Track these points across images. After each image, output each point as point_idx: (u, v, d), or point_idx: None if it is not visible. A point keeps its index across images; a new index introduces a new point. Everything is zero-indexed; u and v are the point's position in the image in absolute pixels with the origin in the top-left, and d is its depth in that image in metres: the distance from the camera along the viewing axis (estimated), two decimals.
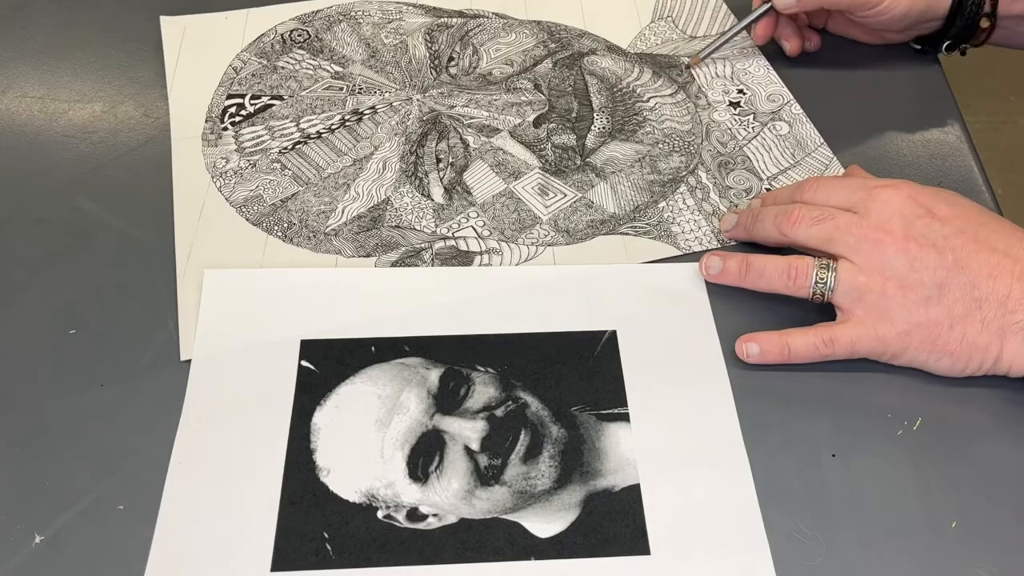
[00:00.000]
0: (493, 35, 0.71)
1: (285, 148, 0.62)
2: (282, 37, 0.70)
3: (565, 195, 0.59)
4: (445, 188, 0.60)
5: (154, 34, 0.71)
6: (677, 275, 0.55)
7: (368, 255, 0.56)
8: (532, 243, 0.57)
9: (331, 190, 0.60)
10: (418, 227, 0.57)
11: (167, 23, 0.70)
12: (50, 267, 0.55)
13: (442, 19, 0.72)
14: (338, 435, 0.48)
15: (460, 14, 0.73)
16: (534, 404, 0.49)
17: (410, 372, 0.50)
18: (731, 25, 0.69)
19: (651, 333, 0.52)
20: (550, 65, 0.68)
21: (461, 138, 0.63)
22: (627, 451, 0.47)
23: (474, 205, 0.59)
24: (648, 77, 0.68)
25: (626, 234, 0.57)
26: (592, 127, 0.64)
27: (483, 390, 0.49)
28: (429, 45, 0.70)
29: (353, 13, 0.72)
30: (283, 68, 0.68)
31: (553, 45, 0.70)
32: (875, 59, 0.69)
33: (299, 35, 0.70)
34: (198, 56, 0.68)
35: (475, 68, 0.68)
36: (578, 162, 0.61)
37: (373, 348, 0.51)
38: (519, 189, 0.60)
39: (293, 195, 0.59)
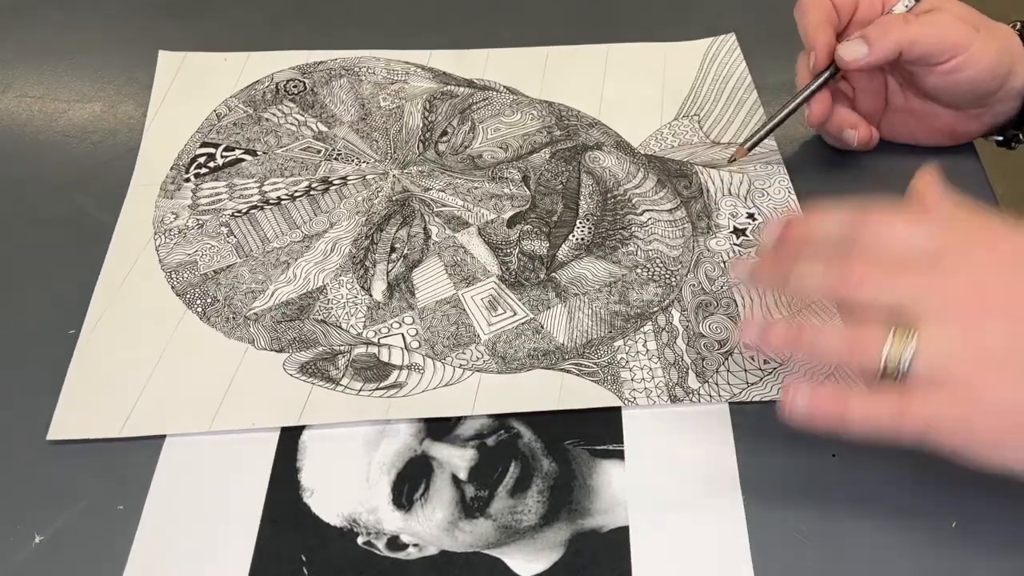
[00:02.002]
0: (497, 112, 0.65)
1: (239, 211, 0.58)
2: (276, 86, 0.67)
3: (515, 313, 0.53)
4: (389, 284, 0.55)
5: (154, 34, 0.70)
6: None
7: (280, 350, 0.51)
8: (461, 365, 0.51)
9: (269, 267, 0.55)
10: (345, 325, 0.52)
11: (164, 57, 0.68)
12: (50, 267, 0.55)
13: (449, 87, 0.67)
14: (325, 455, 0.47)
15: (469, 84, 0.67)
16: (527, 434, 0.48)
17: None
18: (782, 105, 0.59)
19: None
20: (547, 155, 0.62)
21: (425, 227, 0.58)
22: (619, 491, 0.46)
23: (413, 309, 0.53)
24: (651, 186, 0.60)
25: (567, 371, 0.51)
26: (570, 236, 0.57)
27: (475, 419, 0.48)
28: (426, 115, 0.65)
29: (357, 69, 0.68)
30: (267, 120, 0.64)
31: (558, 132, 0.64)
32: None
33: (295, 86, 0.67)
34: (186, 96, 0.66)
35: (466, 147, 0.63)
36: (542, 275, 0.55)
37: None
38: (467, 298, 0.54)
39: (228, 267, 0.55)
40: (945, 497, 0.45)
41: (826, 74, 0.58)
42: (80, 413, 0.48)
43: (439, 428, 0.48)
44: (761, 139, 0.59)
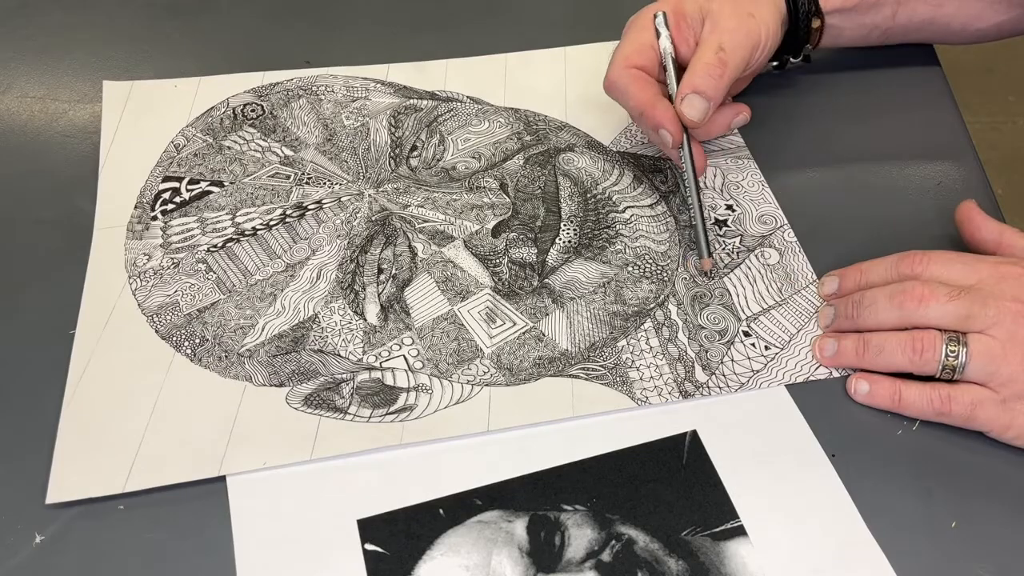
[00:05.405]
0: (464, 123, 0.64)
1: (214, 246, 0.56)
2: (233, 112, 0.64)
3: (514, 324, 0.53)
4: (382, 306, 0.53)
5: (154, 34, 0.71)
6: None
7: (281, 384, 0.50)
8: (468, 381, 0.50)
9: (255, 301, 0.54)
10: (343, 352, 0.51)
11: (109, 88, 0.65)
12: (50, 267, 0.55)
13: (411, 100, 0.66)
14: None
15: (432, 96, 0.66)
16: (640, 538, 0.44)
17: (492, 530, 0.44)
18: (693, 199, 0.56)
19: (732, 426, 0.48)
20: (521, 162, 0.62)
21: (409, 245, 0.57)
22: (756, 570, 0.43)
23: (411, 329, 0.52)
24: (628, 182, 0.61)
25: (576, 377, 0.50)
26: (557, 240, 0.57)
27: (579, 533, 0.44)
28: (392, 130, 0.64)
29: (315, 88, 0.66)
30: (229, 148, 0.62)
31: (528, 138, 0.63)
32: (873, 61, 0.67)
33: (252, 110, 0.65)
34: (138, 128, 0.63)
35: (439, 160, 0.62)
36: (535, 283, 0.55)
37: (441, 511, 0.45)
38: (464, 313, 0.53)
39: (212, 304, 0.53)
40: (945, 497, 0.45)
41: (686, 140, 0.56)
42: (78, 472, 0.45)
43: (546, 560, 0.43)
44: (707, 239, 0.55)
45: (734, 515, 0.45)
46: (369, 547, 0.44)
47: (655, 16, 0.57)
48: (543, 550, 0.43)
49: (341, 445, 0.47)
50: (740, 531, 0.44)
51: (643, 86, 0.56)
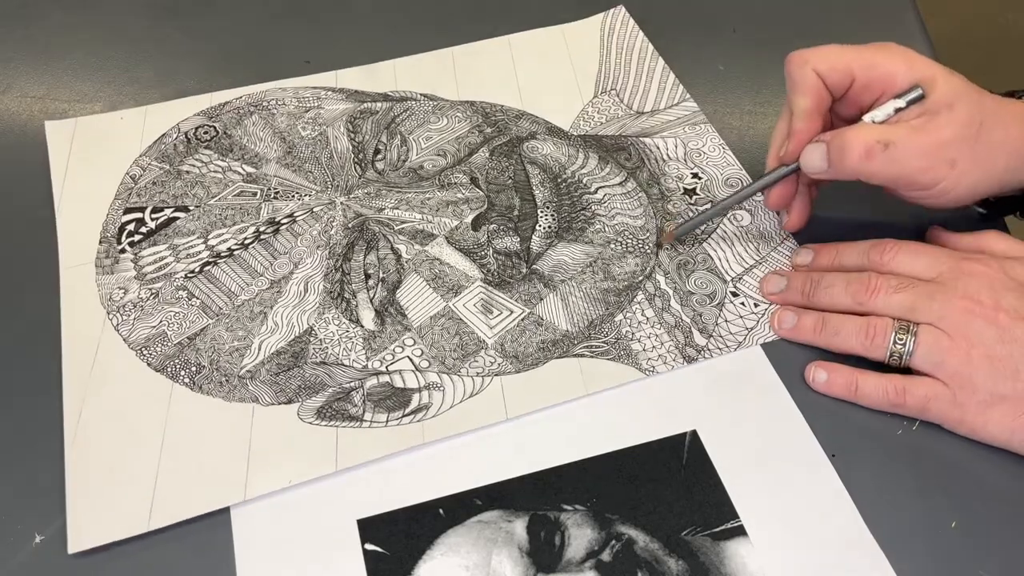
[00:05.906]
0: (423, 120, 0.64)
1: (192, 272, 0.55)
2: (186, 136, 0.63)
3: (511, 312, 0.53)
4: (376, 311, 0.53)
5: (154, 34, 0.71)
6: (739, 359, 0.51)
7: (289, 401, 0.49)
8: (477, 373, 0.50)
9: (245, 321, 0.52)
10: (347, 361, 0.51)
11: (52, 128, 0.63)
12: (51, 267, 0.55)
13: (365, 104, 0.65)
14: None
15: (385, 97, 0.66)
16: (640, 538, 0.44)
17: (492, 530, 0.44)
18: (725, 195, 0.56)
19: (732, 426, 0.48)
20: (487, 154, 0.62)
21: (392, 248, 0.56)
22: (756, 570, 0.43)
23: (410, 330, 0.52)
24: (594, 164, 0.62)
25: (582, 355, 0.51)
26: (537, 227, 0.58)
27: (579, 533, 0.44)
28: (352, 136, 0.63)
29: (265, 103, 0.65)
30: (188, 173, 0.60)
31: (489, 130, 0.64)
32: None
33: (205, 132, 0.63)
34: (90, 165, 0.61)
35: (404, 161, 0.62)
36: (523, 270, 0.55)
37: (441, 510, 0.45)
38: (460, 307, 0.53)
39: (202, 330, 0.52)
40: (945, 497, 0.45)
41: (793, 166, 0.53)
42: (96, 518, 0.44)
43: (546, 559, 0.43)
44: (700, 224, 0.56)
45: (734, 515, 0.45)
46: (369, 547, 0.44)
47: (916, 88, 0.50)
48: (543, 550, 0.43)
49: (364, 453, 0.46)
50: (740, 531, 0.44)
51: (812, 98, 0.51)
